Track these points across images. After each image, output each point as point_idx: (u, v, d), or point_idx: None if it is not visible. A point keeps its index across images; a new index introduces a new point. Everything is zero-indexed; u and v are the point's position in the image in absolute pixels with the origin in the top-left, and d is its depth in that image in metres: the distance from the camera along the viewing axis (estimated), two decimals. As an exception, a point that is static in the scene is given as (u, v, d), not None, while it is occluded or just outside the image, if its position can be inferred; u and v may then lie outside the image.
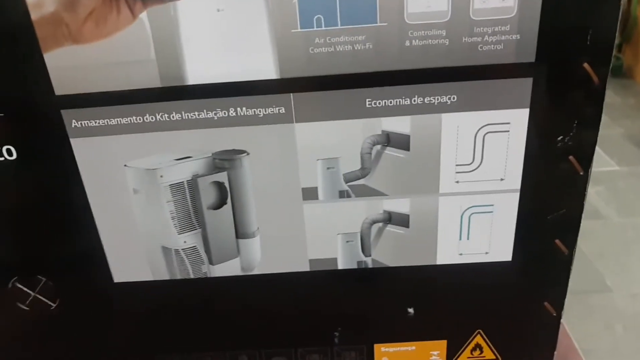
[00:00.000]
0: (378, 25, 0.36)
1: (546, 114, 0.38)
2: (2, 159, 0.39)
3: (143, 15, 0.35)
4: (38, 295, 0.45)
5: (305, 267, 0.45)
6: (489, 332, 0.48)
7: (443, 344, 0.49)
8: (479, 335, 0.48)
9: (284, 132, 0.39)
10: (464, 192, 0.41)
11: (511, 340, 0.49)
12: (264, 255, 0.44)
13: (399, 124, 0.39)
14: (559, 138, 0.39)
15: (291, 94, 0.38)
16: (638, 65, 3.00)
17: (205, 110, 0.38)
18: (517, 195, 0.41)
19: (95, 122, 0.39)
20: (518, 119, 0.39)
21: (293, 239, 0.43)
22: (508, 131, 0.39)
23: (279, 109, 0.38)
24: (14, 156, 0.40)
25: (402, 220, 0.43)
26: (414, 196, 0.42)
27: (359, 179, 0.41)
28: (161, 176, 0.41)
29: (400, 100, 0.38)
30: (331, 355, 0.49)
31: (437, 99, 0.38)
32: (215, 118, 0.39)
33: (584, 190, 0.41)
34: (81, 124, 0.39)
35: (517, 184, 0.41)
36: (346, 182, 0.41)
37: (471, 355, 0.49)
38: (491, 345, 0.49)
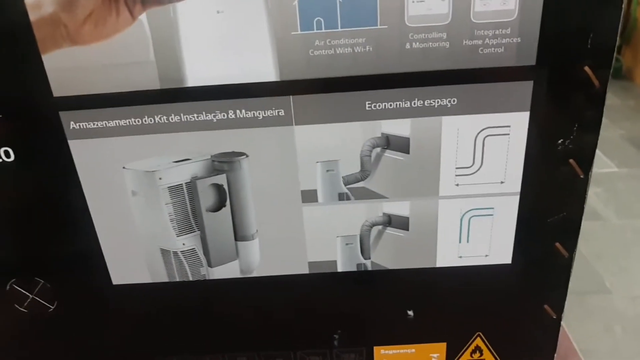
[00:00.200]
0: (378, 27, 0.35)
1: (546, 117, 0.38)
2: (0, 160, 0.39)
3: (142, 17, 0.35)
4: (36, 298, 0.45)
5: (304, 270, 0.45)
6: (489, 335, 0.48)
7: (443, 346, 0.49)
8: (478, 338, 0.48)
9: (284, 135, 0.39)
10: (464, 195, 0.41)
11: (511, 343, 0.49)
12: (263, 257, 0.44)
13: (398, 127, 0.39)
14: (560, 141, 0.39)
15: (291, 97, 0.38)
16: (638, 67, 3.00)
17: (204, 113, 0.38)
18: (517, 198, 0.41)
19: (94, 124, 0.39)
20: (518, 122, 0.39)
21: (292, 241, 0.43)
22: (508, 134, 0.39)
23: (278, 112, 0.38)
24: (12, 158, 0.39)
25: (401, 223, 0.43)
26: (413, 199, 0.42)
27: (358, 181, 0.41)
28: (160, 178, 0.40)
29: (400, 103, 0.38)
30: (331, 358, 0.49)
31: (437, 102, 0.38)
32: (215, 120, 0.38)
33: (584, 194, 0.41)
34: (79, 125, 0.39)
35: (517, 187, 0.41)
36: (346, 185, 0.41)
37: (471, 358, 0.49)
38: (491, 348, 0.49)
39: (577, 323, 1.43)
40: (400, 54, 0.36)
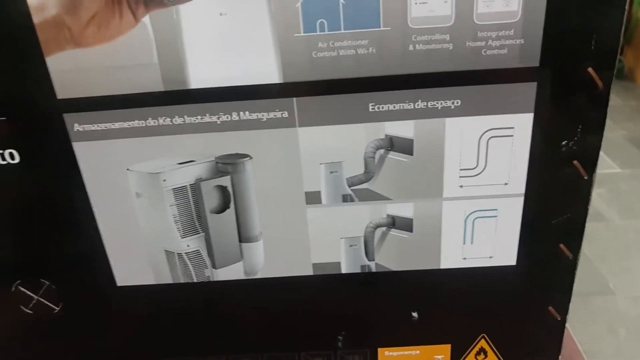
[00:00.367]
0: (381, 29, 0.35)
1: (550, 119, 0.38)
2: (5, 162, 0.39)
3: (146, 19, 0.35)
4: (41, 299, 0.45)
5: (308, 271, 0.45)
6: (493, 337, 0.48)
7: (447, 348, 0.49)
8: (483, 340, 0.48)
9: (287, 136, 0.39)
10: (468, 197, 0.41)
11: (515, 345, 0.48)
12: (267, 259, 0.44)
13: (402, 128, 0.39)
14: (563, 142, 0.39)
15: (294, 98, 0.38)
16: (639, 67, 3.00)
17: (208, 114, 0.38)
18: (522, 199, 0.41)
19: (98, 126, 0.39)
20: (522, 124, 0.38)
21: (296, 243, 0.43)
22: (512, 136, 0.39)
23: (282, 113, 0.38)
24: (17, 160, 0.39)
25: (405, 225, 0.42)
26: (417, 200, 0.42)
27: (362, 183, 0.41)
28: (164, 180, 0.40)
29: (404, 104, 0.38)
30: (335, 359, 0.49)
31: (441, 104, 0.38)
32: (218, 122, 0.39)
33: (588, 195, 0.41)
34: (83, 127, 0.39)
35: (521, 189, 0.41)
36: (349, 186, 0.41)
37: (475, 360, 0.49)
38: (495, 350, 0.49)
39: (580, 324, 1.43)
40: (403, 56, 0.36)
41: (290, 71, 0.37)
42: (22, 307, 0.46)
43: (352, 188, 0.41)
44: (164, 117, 0.38)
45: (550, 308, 0.46)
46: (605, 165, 2.20)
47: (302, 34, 0.36)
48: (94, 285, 0.45)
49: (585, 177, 0.40)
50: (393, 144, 0.40)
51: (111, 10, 0.35)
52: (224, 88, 0.37)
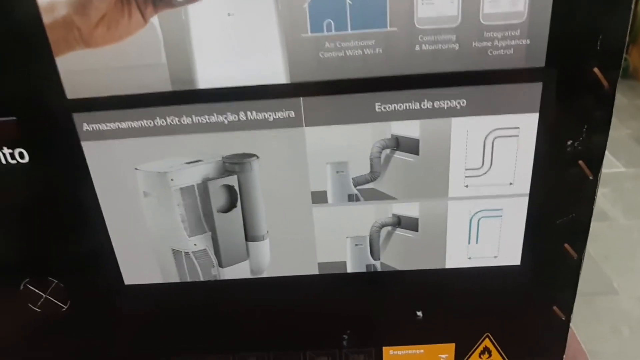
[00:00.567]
0: (388, 30, 0.36)
1: (556, 119, 0.38)
2: (15, 162, 0.40)
3: (154, 20, 0.35)
4: (49, 297, 0.46)
5: (314, 270, 0.45)
6: (498, 336, 0.48)
7: (452, 347, 0.49)
8: (487, 339, 0.48)
9: (294, 136, 0.39)
10: (473, 196, 0.41)
11: (520, 344, 0.49)
12: (273, 258, 0.44)
13: (408, 128, 0.39)
14: (569, 142, 0.39)
15: (301, 98, 0.38)
16: (645, 66, 2.99)
17: (215, 114, 0.39)
18: (526, 199, 0.41)
19: (107, 126, 0.39)
20: (527, 124, 0.39)
21: (302, 242, 0.43)
22: (517, 136, 0.39)
23: (288, 113, 0.39)
24: (26, 159, 0.40)
25: (411, 224, 0.43)
26: (423, 200, 0.42)
27: (368, 182, 0.41)
28: (172, 179, 0.41)
29: (410, 104, 0.38)
30: (340, 358, 0.49)
31: (447, 104, 0.38)
32: (226, 122, 0.39)
33: (593, 195, 0.41)
34: (92, 127, 0.39)
35: (526, 188, 0.41)
36: (355, 186, 0.41)
37: (480, 359, 0.49)
38: (500, 349, 0.49)
39: (584, 324, 1.43)
40: (409, 56, 0.36)
41: (297, 71, 0.37)
42: (31, 305, 0.46)
43: (358, 188, 0.41)
44: (171, 117, 0.39)
45: (555, 308, 0.46)
46: (610, 164, 2.19)
47: (309, 34, 0.36)
48: (102, 284, 0.46)
49: (591, 177, 0.40)
50: (399, 144, 0.40)
51: (120, 11, 0.35)
52: (231, 88, 0.38)
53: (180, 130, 0.39)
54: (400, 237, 0.43)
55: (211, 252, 0.44)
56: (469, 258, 0.44)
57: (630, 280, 1.63)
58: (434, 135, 0.39)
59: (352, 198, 0.42)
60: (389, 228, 0.43)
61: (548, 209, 0.42)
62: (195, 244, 0.43)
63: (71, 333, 0.48)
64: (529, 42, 0.36)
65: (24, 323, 0.47)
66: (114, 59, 0.37)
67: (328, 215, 0.42)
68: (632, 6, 0.35)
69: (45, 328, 0.48)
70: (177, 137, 0.39)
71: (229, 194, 0.42)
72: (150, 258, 0.44)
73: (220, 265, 0.44)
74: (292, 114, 0.39)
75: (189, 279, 0.45)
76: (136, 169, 0.40)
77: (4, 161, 0.40)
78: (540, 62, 0.36)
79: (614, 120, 0.38)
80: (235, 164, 0.41)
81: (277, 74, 0.37)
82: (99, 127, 0.39)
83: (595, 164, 0.40)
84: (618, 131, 2.46)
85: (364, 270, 0.45)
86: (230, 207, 0.42)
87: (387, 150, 0.40)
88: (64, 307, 0.46)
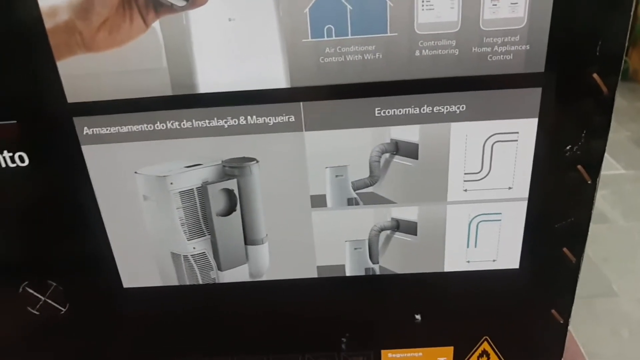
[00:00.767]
0: (388, 35, 0.36)
1: (555, 124, 0.38)
2: (15, 165, 0.40)
3: (155, 25, 0.36)
4: (48, 300, 0.46)
5: (313, 274, 0.45)
6: (496, 339, 0.48)
7: (450, 350, 0.49)
8: (485, 342, 0.48)
9: (294, 140, 0.39)
10: (472, 201, 0.42)
11: (518, 348, 0.49)
12: (272, 261, 0.44)
13: (407, 133, 0.39)
14: (568, 147, 0.39)
15: (301, 103, 0.38)
16: (644, 68, 2.99)
17: (215, 118, 0.39)
18: (525, 203, 0.42)
19: (107, 130, 0.39)
20: (527, 129, 0.39)
21: (301, 245, 0.44)
22: (516, 140, 0.39)
23: (288, 117, 0.39)
24: (27, 163, 0.40)
25: (410, 228, 0.43)
26: (422, 204, 0.42)
27: (367, 186, 0.41)
28: (171, 183, 0.41)
29: (410, 109, 0.38)
30: (338, 361, 0.49)
31: (446, 108, 0.38)
32: (226, 126, 0.39)
33: (592, 199, 0.41)
34: (93, 131, 0.39)
35: (525, 193, 0.41)
36: (355, 190, 0.41)
37: (478, 362, 0.49)
38: (498, 352, 0.49)
39: (583, 326, 1.43)
40: (409, 61, 0.37)
41: (298, 76, 0.37)
42: (29, 308, 0.46)
43: (357, 191, 0.41)
44: (172, 121, 0.39)
45: (553, 311, 0.46)
46: (610, 166, 2.19)
47: (310, 40, 0.36)
48: (101, 287, 0.46)
49: (589, 182, 0.40)
50: (398, 148, 0.40)
51: (122, 16, 0.35)
52: (231, 92, 0.38)
53: (180, 134, 0.39)
54: (399, 241, 0.43)
55: (210, 256, 0.44)
56: (468, 262, 0.44)
57: (630, 283, 1.63)
58: (434, 139, 0.39)
59: (351, 202, 0.42)
60: (388, 232, 0.43)
61: (547, 213, 0.42)
62: (194, 248, 0.43)
63: (70, 336, 0.48)
64: (528, 47, 0.36)
65: (22, 326, 0.47)
66: (115, 64, 0.37)
67: (327, 219, 0.42)
68: (632, 11, 0.35)
69: (44, 331, 0.48)
70: (177, 141, 0.39)
71: (228, 197, 0.42)
72: (150, 261, 0.44)
73: (220, 268, 0.44)
74: (292, 119, 0.39)
75: (188, 282, 0.45)
76: (136, 172, 0.41)
77: (4, 164, 0.40)
78: (540, 67, 0.37)
79: (613, 122, 0.38)
80: (235, 168, 0.41)
81: (277, 79, 0.37)
82: (99, 131, 0.39)
83: (594, 169, 0.40)
84: (618, 133, 2.47)
85: (362, 273, 0.45)
86: (229, 210, 0.42)
87: (387, 155, 0.40)
88: (62, 310, 0.46)
